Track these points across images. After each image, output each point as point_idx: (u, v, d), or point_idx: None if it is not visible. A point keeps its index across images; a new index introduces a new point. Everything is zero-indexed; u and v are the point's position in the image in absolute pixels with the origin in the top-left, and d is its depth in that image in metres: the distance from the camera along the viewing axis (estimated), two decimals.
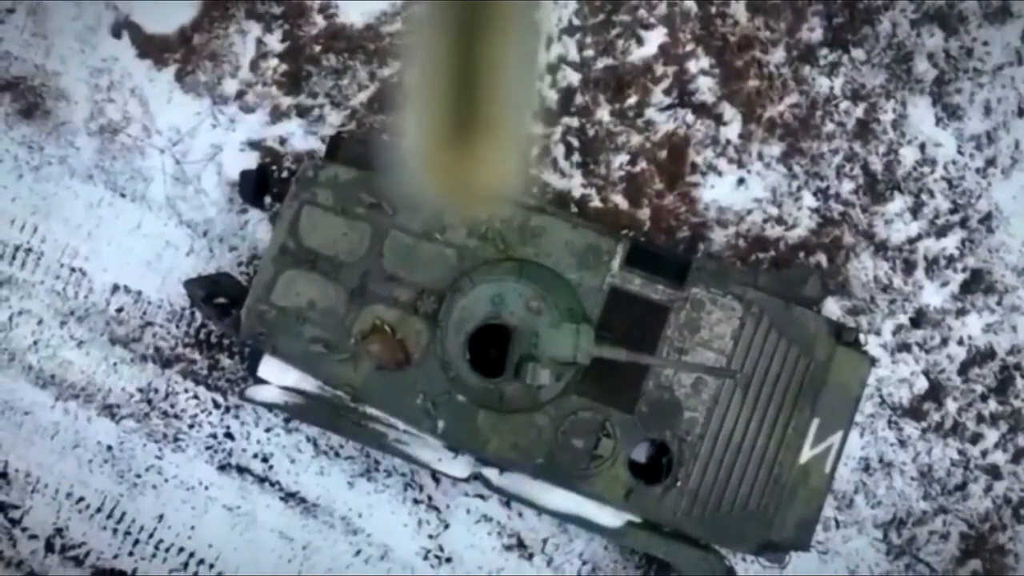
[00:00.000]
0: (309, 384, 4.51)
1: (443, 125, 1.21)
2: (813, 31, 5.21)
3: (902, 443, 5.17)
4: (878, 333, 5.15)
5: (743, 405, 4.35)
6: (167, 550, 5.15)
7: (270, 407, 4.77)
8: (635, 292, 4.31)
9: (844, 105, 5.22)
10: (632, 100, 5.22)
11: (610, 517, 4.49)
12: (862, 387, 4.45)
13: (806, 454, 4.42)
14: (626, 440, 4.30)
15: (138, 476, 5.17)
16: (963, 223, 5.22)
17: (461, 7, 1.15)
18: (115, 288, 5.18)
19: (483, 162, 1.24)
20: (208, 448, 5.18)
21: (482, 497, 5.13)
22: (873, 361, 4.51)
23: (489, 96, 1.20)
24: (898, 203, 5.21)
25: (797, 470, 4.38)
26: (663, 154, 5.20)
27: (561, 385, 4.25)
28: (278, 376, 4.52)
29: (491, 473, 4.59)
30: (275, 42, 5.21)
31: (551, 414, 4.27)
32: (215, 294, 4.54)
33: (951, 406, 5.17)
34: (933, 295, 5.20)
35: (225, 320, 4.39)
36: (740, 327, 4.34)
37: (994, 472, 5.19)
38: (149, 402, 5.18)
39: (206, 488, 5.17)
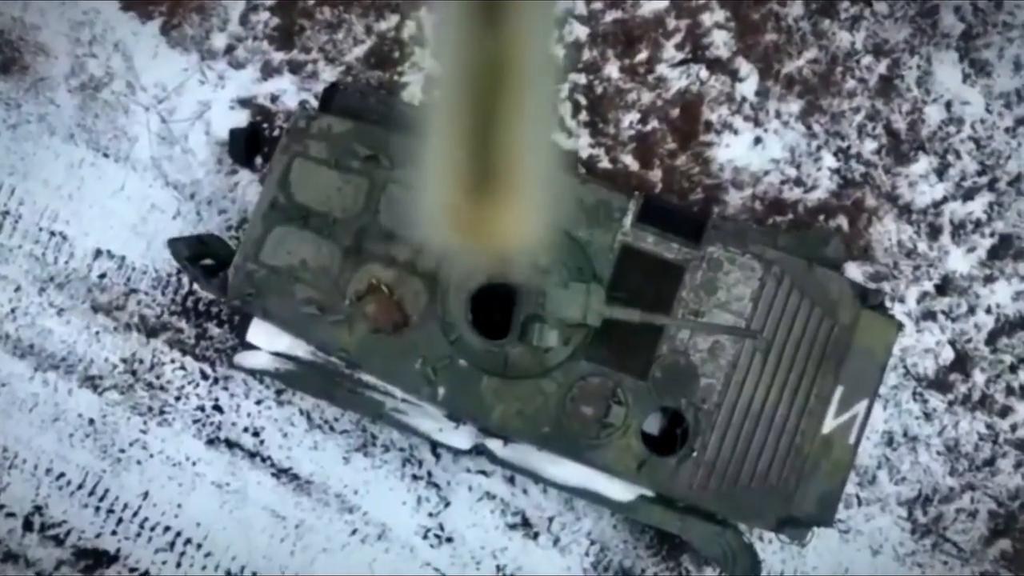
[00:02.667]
0: (301, 349, 4.25)
1: (465, 179, 1.21)
2: None
3: (927, 416, 4.91)
4: (902, 300, 4.90)
5: (763, 371, 4.09)
6: (152, 529, 4.89)
7: (260, 375, 4.52)
8: (648, 250, 4.05)
9: (866, 60, 4.96)
10: (643, 55, 4.96)
11: (621, 491, 4.23)
12: (888, 353, 4.19)
13: (829, 424, 4.16)
14: (638, 408, 4.04)
15: (122, 451, 4.91)
16: (991, 185, 4.96)
17: (482, 61, 1.14)
18: (97, 253, 4.92)
19: (505, 215, 1.24)
20: (196, 422, 4.92)
21: (485, 473, 4.87)
22: (900, 326, 4.24)
23: (510, 150, 1.19)
24: (923, 164, 4.95)
25: (819, 441, 4.13)
26: (675, 112, 4.94)
27: (570, 349, 3.99)
28: (268, 341, 4.26)
29: (495, 444, 4.33)
30: None
31: (559, 380, 4.01)
32: (201, 255, 4.28)
33: (979, 377, 4.91)
34: (959, 261, 4.94)
35: (212, 281, 4.12)
36: (760, 288, 4.08)
37: None
38: (133, 373, 4.91)
39: (193, 464, 4.91)
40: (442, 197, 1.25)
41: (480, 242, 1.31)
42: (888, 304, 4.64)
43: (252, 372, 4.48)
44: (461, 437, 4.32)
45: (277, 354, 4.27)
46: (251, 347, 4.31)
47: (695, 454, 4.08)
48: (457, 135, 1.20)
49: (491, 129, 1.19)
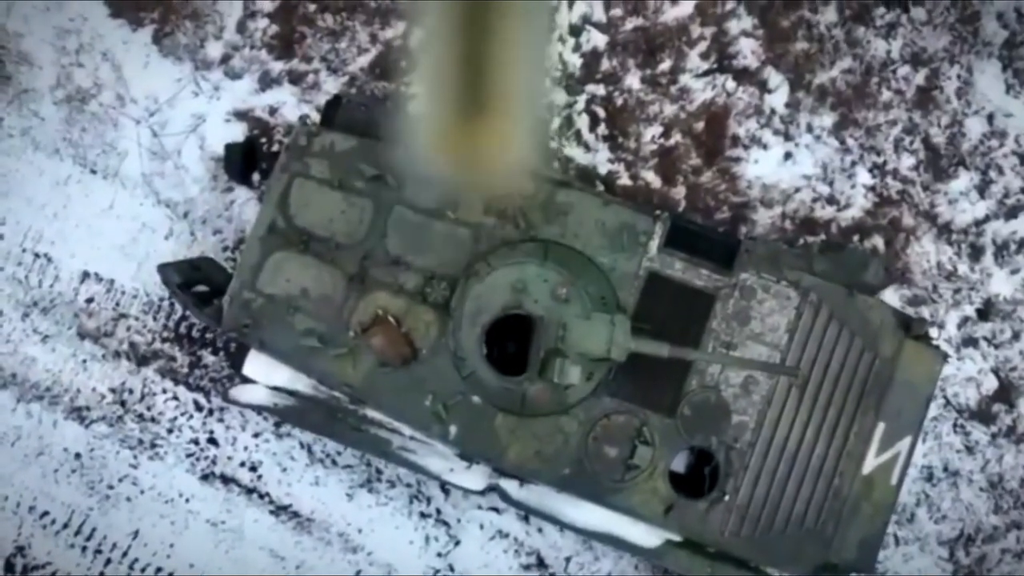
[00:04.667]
0: (302, 383, 3.96)
1: (455, 98, 1.18)
2: None
3: (969, 449, 4.61)
4: (942, 326, 4.60)
5: (799, 407, 3.80)
6: (143, 570, 4.60)
7: (258, 409, 4.20)
8: (676, 278, 3.76)
9: (903, 71, 4.66)
10: (665, 65, 4.66)
11: (646, 535, 3.93)
12: (933, 387, 3.91)
13: (870, 463, 3.87)
14: (666, 448, 3.74)
15: (110, 487, 4.61)
16: None
17: None
18: (84, 276, 4.63)
19: (496, 135, 1.20)
20: (189, 455, 4.62)
21: (497, 511, 4.57)
22: (946, 357, 3.95)
23: (501, 69, 1.16)
24: (963, 180, 4.66)
25: (860, 482, 3.84)
26: (700, 125, 4.65)
27: (592, 384, 3.70)
28: (266, 374, 3.97)
29: (510, 485, 4.03)
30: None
31: (580, 418, 3.72)
32: (195, 281, 3.98)
33: None
34: (1003, 283, 4.64)
35: (205, 310, 3.83)
36: (796, 318, 3.79)
37: None
38: (123, 404, 4.62)
39: (187, 500, 4.61)
40: (433, 118, 1.22)
41: (471, 163, 1.26)
42: (931, 333, 4.34)
43: (249, 407, 4.18)
44: (474, 478, 4.03)
45: (276, 388, 3.98)
46: (248, 380, 4.01)
47: (727, 497, 3.79)
48: (447, 53, 1.17)
49: (481, 48, 1.16)
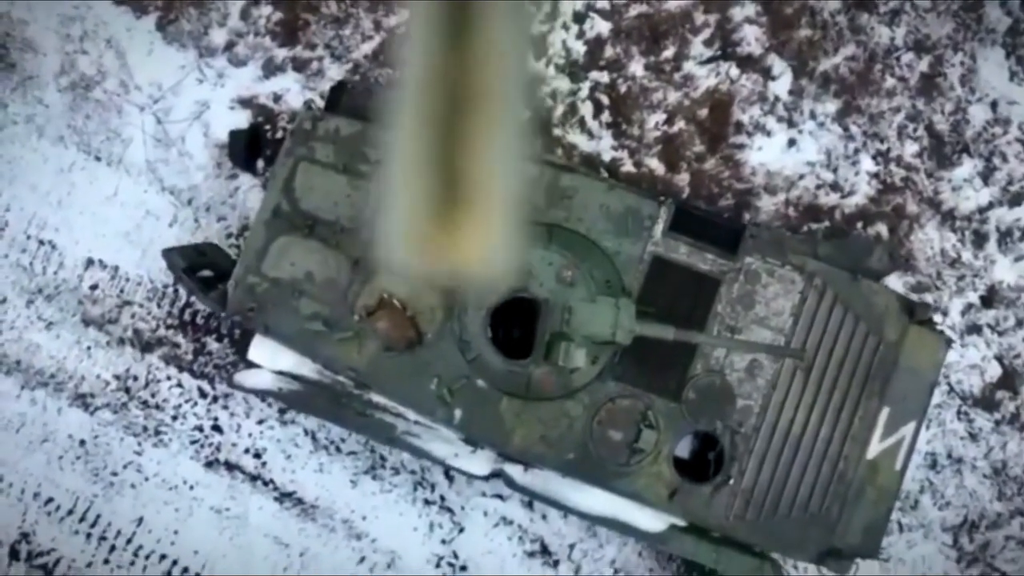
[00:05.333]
0: (307, 368, 3.95)
1: (428, 197, 1.16)
2: None
3: (973, 436, 4.61)
4: (945, 313, 4.60)
5: (804, 392, 3.80)
6: (147, 557, 4.59)
7: (262, 395, 4.21)
8: (681, 262, 3.76)
9: (907, 58, 4.66)
10: (669, 52, 4.66)
11: (651, 520, 3.93)
12: (937, 372, 3.90)
13: (874, 448, 3.87)
14: (671, 432, 3.74)
15: (114, 474, 4.61)
16: None
17: (447, 78, 1.09)
18: (89, 263, 4.63)
19: (468, 236, 1.18)
20: (193, 442, 4.62)
21: (501, 497, 4.57)
22: (950, 342, 3.95)
23: (475, 169, 1.14)
24: (967, 167, 4.66)
25: (864, 466, 3.84)
26: (704, 112, 4.65)
27: (597, 368, 3.69)
28: (271, 359, 3.96)
29: (514, 470, 4.03)
30: None
31: (585, 402, 3.72)
32: (199, 265, 3.97)
33: None
34: (1006, 271, 4.64)
35: (210, 294, 3.82)
36: (801, 302, 3.78)
37: None
38: (127, 391, 4.62)
39: (191, 487, 4.61)
40: (405, 218, 1.20)
41: (443, 266, 1.24)
42: (935, 319, 4.33)
43: (254, 392, 4.18)
44: (478, 463, 4.02)
45: (280, 373, 3.97)
46: (252, 365, 4.00)
47: (731, 481, 3.79)
48: (421, 152, 1.14)
49: (457, 147, 1.13)
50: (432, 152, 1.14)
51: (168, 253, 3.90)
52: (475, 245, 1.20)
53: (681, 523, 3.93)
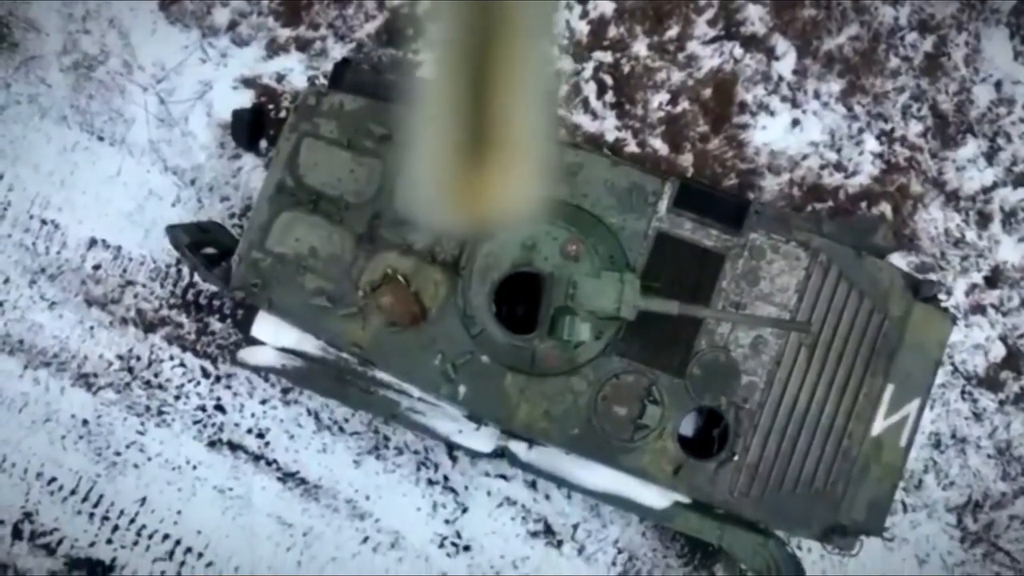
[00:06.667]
0: (310, 345, 3.95)
1: (456, 145, 1.14)
2: None
3: (977, 416, 4.61)
4: (949, 293, 4.59)
5: (808, 368, 3.79)
6: (150, 537, 4.59)
7: (265, 372, 4.21)
8: (685, 238, 3.75)
9: (911, 37, 4.65)
10: (673, 32, 4.65)
11: (655, 497, 3.93)
12: (942, 349, 3.90)
13: (879, 425, 3.86)
14: (675, 408, 3.73)
15: (117, 454, 4.60)
16: None
17: (476, 23, 1.10)
18: (91, 243, 4.62)
19: (497, 184, 1.16)
20: (196, 422, 4.61)
21: (505, 478, 4.56)
22: (954, 319, 3.94)
23: (504, 115, 1.13)
24: (971, 148, 4.65)
25: (869, 443, 3.83)
26: (708, 92, 4.64)
27: (601, 344, 3.69)
28: (275, 336, 3.96)
29: (518, 447, 4.02)
30: None
31: (589, 377, 3.71)
32: (203, 243, 3.97)
33: None
34: (1011, 251, 4.64)
35: (214, 271, 3.81)
36: (806, 278, 3.77)
37: None
38: (130, 370, 4.61)
39: (194, 467, 4.61)
40: (433, 163, 1.17)
41: (472, 211, 1.21)
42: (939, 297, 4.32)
43: (257, 369, 4.17)
44: (482, 439, 4.02)
45: (284, 350, 3.97)
46: (256, 342, 4.00)
47: (736, 458, 3.78)
48: (449, 97, 1.13)
49: (484, 91, 1.12)
50: (459, 94, 1.13)
51: (172, 230, 3.90)
52: (504, 188, 1.18)
53: (685, 500, 3.93)
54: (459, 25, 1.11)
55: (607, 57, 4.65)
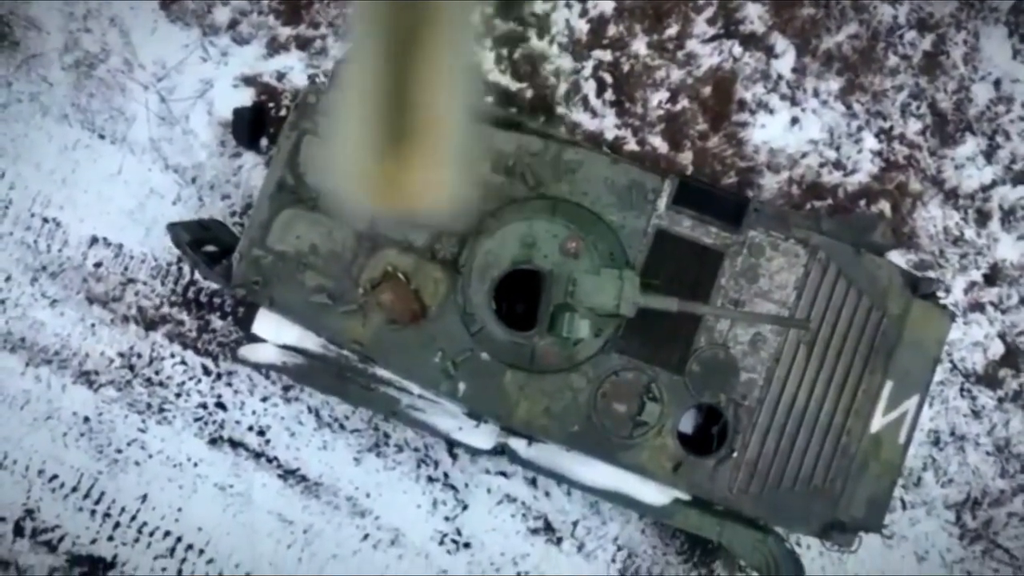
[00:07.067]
0: (311, 342, 3.96)
1: (377, 133, 1.14)
2: None
3: (976, 414, 4.62)
4: (948, 291, 4.60)
5: (807, 365, 3.80)
6: (151, 534, 4.60)
7: (266, 369, 4.22)
8: (685, 235, 3.76)
9: (910, 36, 4.66)
10: (672, 30, 4.66)
11: (655, 494, 3.94)
12: (941, 346, 3.90)
13: (878, 422, 3.88)
14: (675, 404, 3.74)
15: (119, 451, 4.62)
16: None
17: (397, 13, 1.07)
18: (93, 240, 4.63)
19: (417, 173, 1.16)
20: (197, 420, 4.62)
21: (505, 475, 4.58)
22: (953, 317, 3.95)
23: (423, 104, 1.12)
24: (970, 146, 4.66)
25: (868, 440, 3.84)
26: (707, 91, 4.65)
27: (601, 341, 3.70)
28: (275, 333, 3.97)
29: (518, 444, 4.04)
30: None
31: (589, 374, 3.72)
32: (204, 241, 3.98)
33: None
34: (1010, 249, 4.65)
35: (215, 268, 3.83)
36: (804, 275, 3.78)
37: None
38: (131, 368, 4.62)
39: (195, 465, 4.62)
40: (356, 155, 1.18)
41: (394, 202, 1.23)
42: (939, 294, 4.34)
43: (258, 367, 4.19)
44: (482, 436, 4.03)
45: (285, 347, 3.98)
46: (257, 340, 4.01)
47: (735, 454, 3.79)
48: (371, 89, 1.13)
49: (406, 83, 1.12)
50: (382, 84, 1.13)
51: (173, 227, 3.91)
52: (423, 180, 1.19)
53: (685, 497, 3.94)
54: (381, 18, 1.12)
55: (607, 55, 4.67)
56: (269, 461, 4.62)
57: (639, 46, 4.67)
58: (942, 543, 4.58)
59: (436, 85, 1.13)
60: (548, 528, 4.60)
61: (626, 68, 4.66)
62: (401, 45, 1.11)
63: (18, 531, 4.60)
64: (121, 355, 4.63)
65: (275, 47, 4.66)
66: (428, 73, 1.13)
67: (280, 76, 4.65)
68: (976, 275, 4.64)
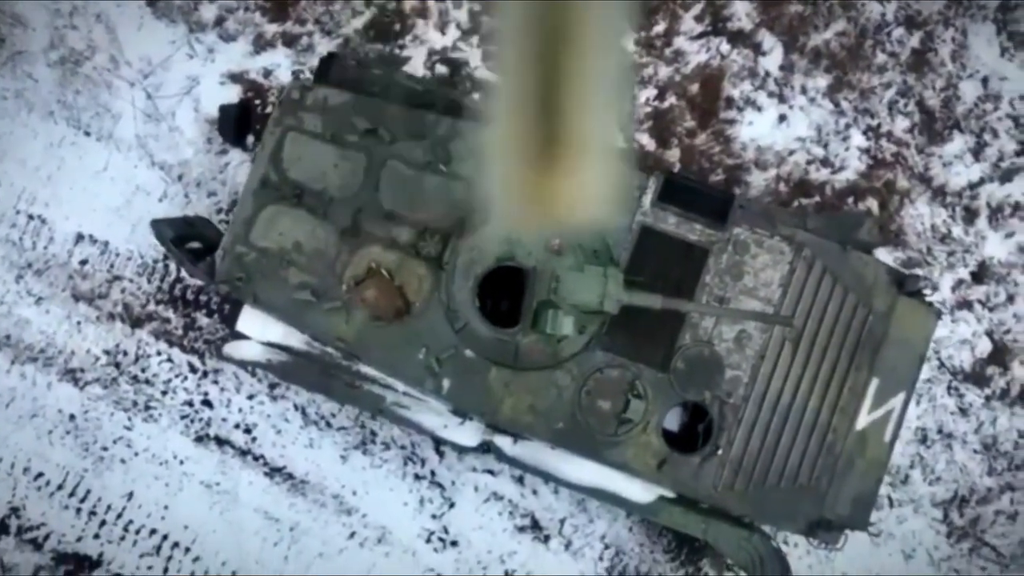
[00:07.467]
0: (295, 339, 3.95)
1: (529, 146, 1.13)
2: None
3: (963, 412, 4.61)
4: (936, 288, 4.60)
5: (793, 362, 3.79)
6: (137, 532, 4.59)
7: (251, 367, 4.21)
8: (669, 232, 3.75)
9: (897, 33, 4.66)
10: (660, 27, 4.66)
11: (640, 491, 3.93)
12: (927, 343, 3.90)
13: (863, 419, 3.87)
14: (659, 402, 3.73)
15: (104, 449, 4.60)
16: None
17: (547, 25, 1.07)
18: (78, 238, 4.62)
19: (571, 186, 1.16)
20: (183, 417, 4.61)
21: (492, 473, 4.57)
22: (939, 314, 3.94)
23: (576, 115, 1.11)
24: (958, 143, 4.65)
25: (853, 438, 3.83)
26: (695, 88, 4.64)
27: (585, 338, 3.69)
28: (260, 330, 3.97)
29: (503, 441, 4.03)
30: None
31: (573, 372, 3.71)
32: (188, 237, 3.96)
33: (1018, 371, 4.62)
34: (997, 246, 4.64)
35: (199, 265, 3.81)
36: (790, 272, 3.77)
37: None
38: (117, 366, 4.61)
39: (181, 462, 4.61)
40: (508, 169, 1.17)
41: (547, 214, 1.22)
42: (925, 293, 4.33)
43: (243, 364, 4.18)
44: (467, 434, 4.02)
45: (269, 344, 3.97)
46: (242, 337, 4.00)
47: (720, 452, 3.78)
48: (522, 104, 1.12)
49: (557, 97, 1.10)
50: (533, 98, 1.12)
51: (156, 224, 3.89)
52: (578, 189, 1.18)
53: (670, 494, 3.93)
54: (530, 28, 1.10)
55: None
56: (255, 459, 4.61)
57: (626, 43, 4.65)
58: (929, 541, 4.58)
59: (588, 96, 1.12)
60: (535, 526, 4.60)
61: None
62: (552, 58, 1.09)
63: (3, 529, 4.59)
64: (107, 353, 4.61)
65: (261, 44, 4.65)
66: (580, 84, 1.11)
67: (266, 73, 4.64)
68: (964, 273, 4.63)
